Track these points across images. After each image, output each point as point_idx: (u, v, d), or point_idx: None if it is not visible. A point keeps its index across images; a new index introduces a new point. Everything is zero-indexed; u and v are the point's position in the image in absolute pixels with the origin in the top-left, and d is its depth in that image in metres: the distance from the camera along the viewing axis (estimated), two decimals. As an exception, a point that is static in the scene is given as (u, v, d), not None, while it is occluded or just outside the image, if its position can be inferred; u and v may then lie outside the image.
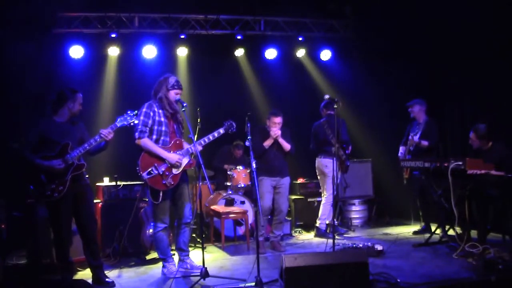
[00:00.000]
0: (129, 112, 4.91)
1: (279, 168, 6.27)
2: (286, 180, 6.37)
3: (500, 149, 5.80)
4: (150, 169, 4.93)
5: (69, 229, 4.85)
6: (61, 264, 4.85)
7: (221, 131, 5.31)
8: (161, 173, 4.96)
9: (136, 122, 4.93)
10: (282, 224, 6.46)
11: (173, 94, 5.11)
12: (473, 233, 5.79)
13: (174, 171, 5.05)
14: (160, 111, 5.07)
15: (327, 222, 6.96)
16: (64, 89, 4.85)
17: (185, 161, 5.10)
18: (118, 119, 4.85)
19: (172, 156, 5.02)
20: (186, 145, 5.17)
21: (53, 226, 4.82)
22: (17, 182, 5.56)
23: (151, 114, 5.04)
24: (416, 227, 7.20)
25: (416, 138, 6.75)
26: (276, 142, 6.21)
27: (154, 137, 5.05)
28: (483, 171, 5.42)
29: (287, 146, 6.26)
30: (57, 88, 4.94)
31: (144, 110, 5.05)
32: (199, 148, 5.03)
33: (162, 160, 4.99)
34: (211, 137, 5.23)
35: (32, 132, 4.71)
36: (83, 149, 4.71)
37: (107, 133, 4.72)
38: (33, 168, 4.60)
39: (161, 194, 5.00)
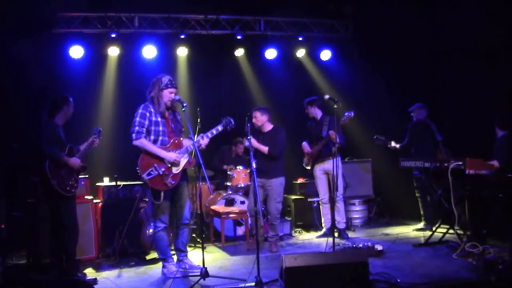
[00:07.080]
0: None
1: (263, 169, 6.08)
2: (274, 182, 6.21)
3: (505, 138, 5.81)
4: (150, 170, 4.93)
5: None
6: (63, 263, 4.87)
7: (220, 128, 5.27)
8: (161, 173, 4.96)
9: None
10: (275, 226, 6.30)
11: (167, 94, 5.09)
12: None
13: (174, 170, 5.05)
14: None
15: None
16: (60, 94, 5.06)
17: (184, 160, 5.10)
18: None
19: (170, 155, 5.01)
20: (185, 144, 5.16)
21: (65, 222, 4.87)
22: (18, 181, 5.57)
23: (147, 114, 5.04)
24: (416, 226, 7.23)
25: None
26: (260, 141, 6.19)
27: (152, 137, 5.05)
28: (483, 171, 5.42)
29: (263, 149, 6.19)
30: (57, 88, 4.98)
31: (140, 111, 5.06)
32: (204, 141, 5.07)
33: (161, 160, 4.99)
34: (209, 135, 5.21)
35: (51, 130, 4.83)
36: (83, 152, 5.01)
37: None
38: (56, 164, 4.76)
39: (162, 194, 5.00)
